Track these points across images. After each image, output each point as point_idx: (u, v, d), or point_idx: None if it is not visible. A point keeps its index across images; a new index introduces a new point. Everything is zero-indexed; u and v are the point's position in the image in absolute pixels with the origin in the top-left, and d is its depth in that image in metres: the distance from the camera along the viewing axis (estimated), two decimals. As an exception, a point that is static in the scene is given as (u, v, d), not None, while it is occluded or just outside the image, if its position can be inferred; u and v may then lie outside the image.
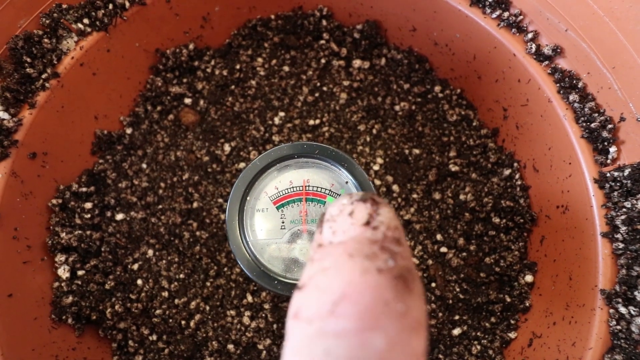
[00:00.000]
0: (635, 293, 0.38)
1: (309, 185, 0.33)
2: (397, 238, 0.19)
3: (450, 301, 0.52)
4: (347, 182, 0.32)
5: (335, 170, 0.33)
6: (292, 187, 0.33)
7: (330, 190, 0.33)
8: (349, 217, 0.19)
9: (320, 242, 0.20)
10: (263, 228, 0.32)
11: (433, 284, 0.52)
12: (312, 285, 0.17)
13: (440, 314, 0.51)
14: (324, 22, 0.61)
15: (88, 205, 0.53)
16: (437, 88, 0.61)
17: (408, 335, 0.16)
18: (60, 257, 0.50)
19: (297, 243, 0.32)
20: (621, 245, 0.40)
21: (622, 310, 0.38)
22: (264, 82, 0.62)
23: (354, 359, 0.15)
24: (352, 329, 0.15)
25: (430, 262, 0.54)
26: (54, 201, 0.51)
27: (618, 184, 0.41)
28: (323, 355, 0.15)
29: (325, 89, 0.61)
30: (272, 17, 0.62)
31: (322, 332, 0.16)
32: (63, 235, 0.50)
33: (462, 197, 0.56)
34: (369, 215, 0.19)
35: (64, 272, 0.49)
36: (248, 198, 0.32)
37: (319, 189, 0.33)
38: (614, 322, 0.39)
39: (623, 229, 0.40)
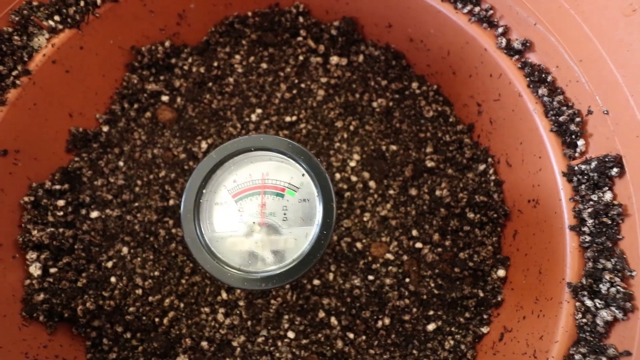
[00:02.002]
0: (601, 286, 0.38)
1: (267, 179, 0.32)
2: None
3: (425, 297, 0.51)
4: (303, 175, 0.32)
5: (293, 163, 0.33)
6: (251, 181, 0.33)
7: (289, 184, 0.33)
8: None
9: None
10: (220, 221, 0.32)
11: (407, 280, 0.52)
12: None
13: (414, 310, 0.51)
14: (301, 19, 0.62)
15: (61, 202, 0.53)
16: (415, 84, 0.61)
17: None
18: (32, 255, 0.49)
19: (254, 236, 0.32)
20: (588, 238, 0.40)
21: (588, 303, 0.38)
22: (241, 79, 0.62)
23: None
24: None
25: (405, 257, 0.53)
26: (26, 199, 0.50)
27: (585, 177, 0.41)
28: None
29: (302, 85, 0.61)
30: (249, 14, 0.62)
31: None
32: (35, 232, 0.50)
33: (438, 192, 0.56)
34: None
35: (35, 270, 0.49)
36: (204, 191, 0.32)
37: (278, 182, 0.33)
38: (580, 315, 0.38)
39: (590, 222, 0.40)
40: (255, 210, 0.32)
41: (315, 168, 0.31)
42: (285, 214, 0.32)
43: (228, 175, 0.33)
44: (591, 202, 0.41)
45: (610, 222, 0.39)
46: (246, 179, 0.33)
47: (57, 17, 0.48)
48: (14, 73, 0.47)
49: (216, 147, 0.60)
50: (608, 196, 0.40)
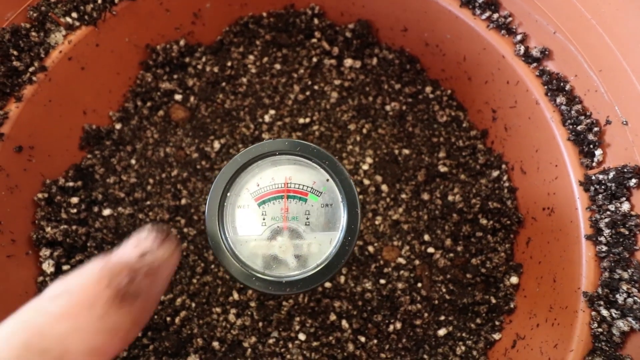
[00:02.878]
0: (617, 296, 0.38)
1: (290, 183, 0.32)
2: (150, 273, 0.24)
3: (437, 302, 0.52)
4: (328, 180, 0.32)
5: (316, 167, 0.33)
6: (274, 184, 0.33)
7: (312, 188, 0.33)
8: (135, 245, 0.25)
9: (114, 251, 0.25)
10: (243, 224, 0.32)
11: (419, 284, 0.52)
12: (65, 277, 0.23)
13: (425, 315, 0.51)
14: (316, 21, 0.61)
15: (74, 200, 0.53)
16: (428, 89, 0.61)
17: (92, 334, 0.22)
18: (45, 252, 0.49)
19: (277, 240, 0.32)
20: (604, 248, 0.40)
21: (604, 312, 0.38)
22: (255, 79, 0.61)
23: (38, 332, 0.21)
24: (54, 312, 0.21)
25: (417, 262, 0.54)
26: (40, 195, 0.50)
27: (603, 187, 0.41)
28: (24, 321, 0.22)
29: (316, 87, 0.61)
30: (264, 14, 0.62)
31: (37, 307, 0.22)
32: (48, 229, 0.50)
33: (450, 198, 0.56)
34: (147, 249, 0.25)
35: (48, 267, 0.49)
36: (228, 194, 0.32)
37: (301, 187, 0.33)
38: (596, 325, 0.39)
39: (607, 231, 0.40)
40: (278, 214, 0.32)
41: (339, 173, 0.31)
42: (307, 219, 0.32)
43: (251, 178, 0.33)
44: (608, 212, 0.41)
45: (627, 233, 0.39)
46: (269, 182, 0.33)
47: (74, 14, 0.48)
48: (31, 69, 0.46)
49: (229, 147, 0.60)
50: (626, 207, 0.40)
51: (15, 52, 0.45)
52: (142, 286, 0.24)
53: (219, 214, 0.31)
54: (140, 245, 0.25)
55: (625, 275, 0.38)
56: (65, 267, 0.50)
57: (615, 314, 0.38)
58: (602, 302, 0.39)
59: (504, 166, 0.54)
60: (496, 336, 0.49)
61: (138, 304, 0.23)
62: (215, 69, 0.61)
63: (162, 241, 0.26)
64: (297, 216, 0.32)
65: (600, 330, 0.38)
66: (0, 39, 0.44)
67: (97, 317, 0.22)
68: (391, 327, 0.51)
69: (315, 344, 0.51)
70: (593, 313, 0.39)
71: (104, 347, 0.22)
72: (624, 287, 0.38)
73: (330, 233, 0.31)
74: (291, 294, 0.34)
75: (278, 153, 0.32)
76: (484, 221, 0.53)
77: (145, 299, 0.24)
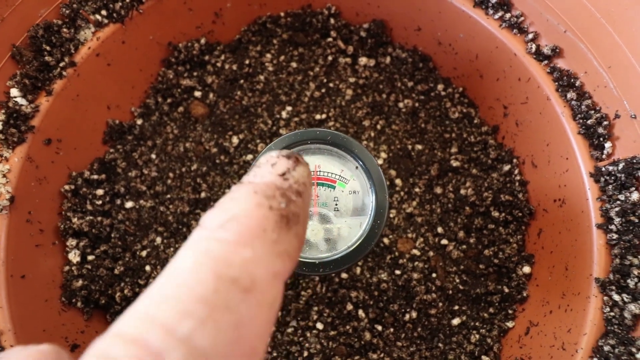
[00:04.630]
0: (628, 281, 0.40)
1: (320, 170, 0.34)
2: (300, 191, 0.23)
3: (450, 292, 0.53)
4: (356, 168, 0.34)
5: (345, 156, 0.34)
6: (304, 172, 0.34)
7: (340, 176, 0.34)
8: (271, 167, 0.24)
9: (242, 180, 0.24)
10: (276, 209, 0.34)
11: (434, 275, 0.54)
12: (218, 205, 0.22)
13: (440, 304, 0.53)
14: (332, 21, 0.63)
15: (99, 192, 0.54)
16: (440, 86, 0.63)
17: (272, 258, 0.21)
18: (72, 242, 0.51)
19: (309, 224, 0.33)
20: (615, 236, 0.42)
21: (616, 297, 0.40)
22: (272, 77, 0.63)
23: (223, 260, 0.20)
24: (230, 240, 0.20)
25: (431, 253, 0.55)
26: (67, 187, 0.52)
27: (613, 177, 0.43)
28: (203, 251, 0.20)
29: (331, 85, 0.63)
30: (282, 14, 0.64)
31: (209, 237, 0.21)
32: (75, 220, 0.51)
33: (462, 191, 0.57)
34: (286, 169, 0.24)
35: (74, 257, 0.50)
36: (263, 180, 0.34)
37: (330, 174, 0.34)
38: (608, 309, 0.40)
39: (617, 220, 0.42)
40: (309, 200, 0.34)
41: (368, 161, 0.33)
42: (336, 205, 0.34)
43: (284, 166, 0.35)
44: (618, 202, 0.42)
45: (637, 221, 0.41)
46: (300, 170, 0.34)
47: (103, 12, 0.50)
48: (61, 64, 0.48)
49: (247, 143, 0.62)
50: (635, 196, 0.42)
51: (47, 48, 0.47)
52: (299, 206, 0.23)
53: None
54: (277, 167, 0.24)
55: (636, 261, 0.40)
56: (90, 257, 0.52)
57: (627, 298, 0.39)
58: (613, 288, 0.41)
59: (515, 160, 0.56)
60: (509, 324, 0.50)
61: (301, 224, 0.23)
62: (234, 67, 0.63)
63: (296, 160, 0.24)
64: (326, 202, 0.34)
65: (612, 314, 0.40)
66: (34, 34, 0.46)
67: (271, 242, 0.21)
68: (407, 317, 0.52)
69: (332, 333, 0.52)
70: (605, 298, 0.41)
71: (283, 271, 0.21)
72: (635, 272, 0.39)
73: (360, 218, 0.33)
74: (325, 274, 0.36)
75: (310, 142, 0.34)
76: (495, 214, 0.55)
77: (303, 218, 0.23)
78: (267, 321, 0.20)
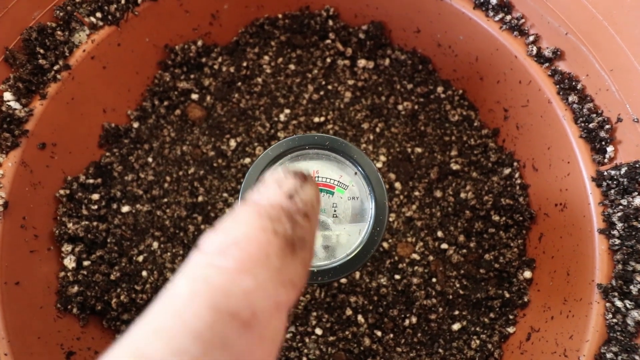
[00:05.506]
0: (631, 287, 0.39)
1: (318, 176, 0.34)
2: (307, 213, 0.22)
3: (451, 297, 0.53)
4: (355, 174, 0.33)
5: (344, 162, 0.34)
6: (302, 178, 0.34)
7: (338, 182, 0.34)
8: (277, 186, 0.22)
9: (247, 198, 0.23)
10: (274, 216, 0.33)
11: (434, 280, 0.53)
12: (220, 228, 0.21)
13: (440, 309, 0.52)
14: (330, 22, 0.63)
15: (95, 196, 0.53)
16: (440, 89, 0.62)
17: (275, 288, 0.19)
18: (67, 247, 0.50)
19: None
20: (617, 241, 0.41)
21: (618, 303, 0.39)
22: (270, 79, 0.63)
23: (221, 290, 0.18)
24: (230, 267, 0.19)
25: (431, 258, 0.55)
26: (62, 192, 0.51)
27: (615, 182, 0.43)
28: (200, 279, 0.19)
29: (330, 87, 0.63)
30: (280, 16, 0.63)
31: (208, 263, 0.19)
32: (70, 225, 0.50)
33: (462, 195, 0.57)
34: (293, 189, 0.22)
35: (70, 262, 0.50)
36: (260, 187, 0.33)
37: (328, 180, 0.34)
38: (610, 315, 0.40)
39: (619, 225, 0.41)
40: (307, 207, 0.33)
41: (367, 166, 0.32)
42: (335, 211, 0.33)
43: (281, 172, 0.34)
44: (621, 207, 0.42)
45: (640, 226, 0.40)
46: (298, 176, 0.34)
47: (98, 14, 0.49)
48: (55, 67, 0.47)
49: (245, 146, 0.61)
50: (638, 201, 0.41)
51: (41, 51, 0.46)
52: (306, 230, 0.21)
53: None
54: (284, 186, 0.22)
55: (639, 267, 0.39)
56: (86, 263, 0.51)
57: (630, 304, 0.39)
58: (616, 294, 0.40)
59: (515, 164, 0.56)
60: (510, 330, 0.50)
61: (308, 249, 0.21)
62: (231, 69, 0.62)
63: (304, 179, 0.23)
64: (324, 208, 0.33)
65: (615, 320, 0.39)
66: (27, 37, 0.45)
67: (275, 270, 0.19)
68: (407, 322, 0.52)
69: (331, 338, 0.52)
70: (607, 304, 0.40)
71: (287, 302, 0.20)
72: (638, 278, 0.39)
73: (359, 224, 0.32)
74: (323, 283, 0.35)
75: (308, 147, 0.33)
76: (496, 218, 0.54)
77: (310, 243, 0.22)
78: (268, 355, 0.19)
